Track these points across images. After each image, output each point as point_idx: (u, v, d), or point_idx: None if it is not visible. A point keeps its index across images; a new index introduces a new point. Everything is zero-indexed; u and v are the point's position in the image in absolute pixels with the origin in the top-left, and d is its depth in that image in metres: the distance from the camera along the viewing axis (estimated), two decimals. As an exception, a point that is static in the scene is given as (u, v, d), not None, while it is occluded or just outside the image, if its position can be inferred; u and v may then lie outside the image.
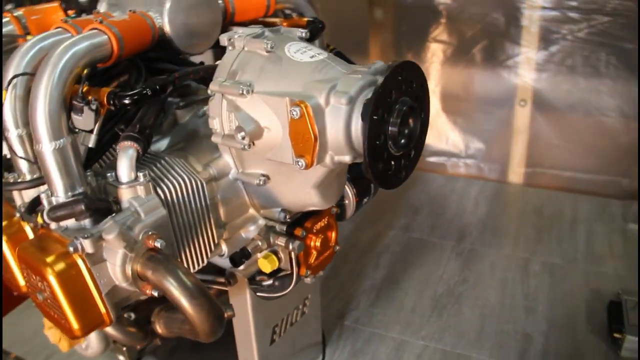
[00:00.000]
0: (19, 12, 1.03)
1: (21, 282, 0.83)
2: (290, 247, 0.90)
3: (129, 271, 0.68)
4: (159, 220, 0.72)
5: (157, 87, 0.73)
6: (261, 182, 0.83)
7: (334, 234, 0.99)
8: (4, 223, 0.83)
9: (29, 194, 0.76)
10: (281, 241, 0.91)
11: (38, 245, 0.69)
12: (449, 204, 2.23)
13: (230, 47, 0.81)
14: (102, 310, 0.69)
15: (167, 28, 0.85)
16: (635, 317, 1.36)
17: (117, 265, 0.68)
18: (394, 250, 1.93)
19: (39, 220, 0.68)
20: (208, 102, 0.80)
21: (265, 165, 0.83)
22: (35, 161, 0.71)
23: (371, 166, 0.70)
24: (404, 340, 1.50)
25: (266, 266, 0.92)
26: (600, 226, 1.98)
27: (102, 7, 0.97)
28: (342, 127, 0.71)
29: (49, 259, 0.65)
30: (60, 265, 0.65)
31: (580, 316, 1.51)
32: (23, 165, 0.75)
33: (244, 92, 0.74)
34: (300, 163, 0.73)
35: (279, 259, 0.94)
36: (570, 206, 2.12)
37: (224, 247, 0.89)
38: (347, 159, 0.75)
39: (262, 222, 0.94)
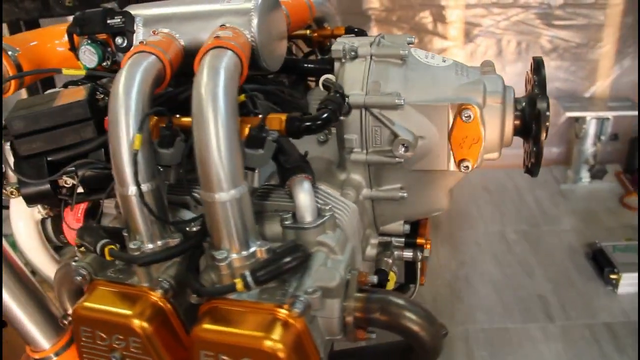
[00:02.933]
0: (9, 45, 0.82)
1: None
2: (420, 256, 0.87)
3: (349, 320, 0.59)
4: (352, 255, 0.64)
5: (336, 110, 0.64)
6: (403, 195, 0.78)
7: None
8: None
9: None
10: (408, 253, 0.87)
11: (235, 322, 0.55)
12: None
13: (344, 59, 0.75)
14: (322, 374, 0.59)
15: (257, 43, 0.75)
16: (622, 257, 1.60)
17: (334, 318, 0.58)
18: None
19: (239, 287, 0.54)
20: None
21: (403, 178, 0.78)
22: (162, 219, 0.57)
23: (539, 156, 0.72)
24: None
25: (390, 284, 0.87)
26: (541, 192, 2.26)
27: (144, 28, 0.81)
28: (497, 125, 0.72)
29: (275, 336, 0.53)
30: (287, 337, 0.53)
31: (571, 270, 1.72)
32: (144, 228, 0.60)
33: (402, 103, 0.70)
34: (465, 166, 0.72)
35: (395, 273, 0.90)
36: (509, 180, 2.39)
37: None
38: (495, 155, 0.75)
39: (374, 240, 0.89)
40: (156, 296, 0.60)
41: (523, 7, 2.14)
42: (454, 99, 0.70)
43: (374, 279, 0.61)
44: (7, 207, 0.87)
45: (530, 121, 0.72)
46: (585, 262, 1.77)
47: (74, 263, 0.64)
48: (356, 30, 1.07)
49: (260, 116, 0.61)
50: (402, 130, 0.71)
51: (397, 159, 0.72)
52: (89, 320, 0.60)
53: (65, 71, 0.74)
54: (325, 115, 0.61)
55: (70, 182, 0.70)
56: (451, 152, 0.73)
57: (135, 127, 0.56)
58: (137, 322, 0.58)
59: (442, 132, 0.71)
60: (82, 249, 0.66)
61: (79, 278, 0.63)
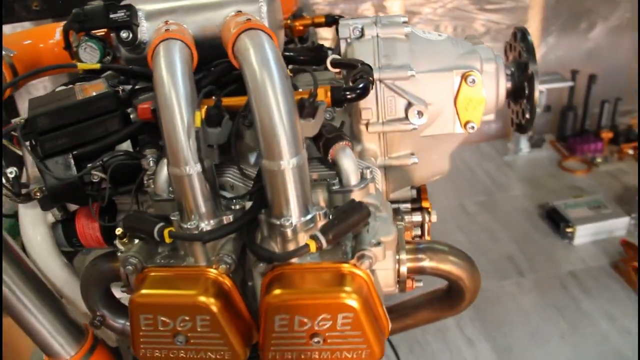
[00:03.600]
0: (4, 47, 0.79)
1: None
2: (428, 220, 0.93)
3: (403, 271, 0.64)
4: (391, 213, 0.68)
5: (370, 80, 0.68)
6: (415, 161, 0.84)
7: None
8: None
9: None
10: (417, 217, 0.93)
11: (306, 283, 0.58)
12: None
13: (350, 38, 0.80)
14: (386, 323, 0.63)
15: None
16: (573, 212, 1.80)
17: (390, 269, 0.63)
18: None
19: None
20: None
21: (412, 144, 0.84)
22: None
23: (533, 112, 0.81)
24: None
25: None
26: (489, 164, 2.45)
27: (147, 22, 0.81)
28: (494, 89, 0.81)
29: (348, 288, 0.56)
30: (359, 289, 0.57)
31: (530, 229, 1.89)
32: (201, 207, 0.61)
33: (414, 74, 0.76)
34: (471, 126, 0.79)
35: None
36: (457, 157, 2.56)
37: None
38: (491, 117, 0.84)
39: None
40: (217, 273, 0.61)
41: (458, -7, 2.32)
42: (458, 67, 0.78)
43: (418, 230, 0.66)
44: (11, 215, 0.82)
45: (521, 83, 0.81)
46: (540, 221, 1.96)
47: (120, 254, 0.63)
48: (336, 17, 1.12)
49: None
50: (414, 99, 0.77)
51: (411, 125, 0.78)
52: (150, 307, 0.60)
53: (80, 66, 0.73)
54: (363, 84, 0.65)
55: (97, 176, 0.69)
56: (456, 116, 0.80)
57: (187, 106, 0.57)
58: (204, 299, 0.59)
59: (449, 97, 0.78)
60: (125, 239, 0.66)
61: (130, 268, 0.62)
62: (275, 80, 0.56)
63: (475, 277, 0.67)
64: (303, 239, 0.60)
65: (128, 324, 0.79)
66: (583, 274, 1.74)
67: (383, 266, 0.63)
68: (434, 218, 0.94)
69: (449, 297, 0.72)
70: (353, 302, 0.56)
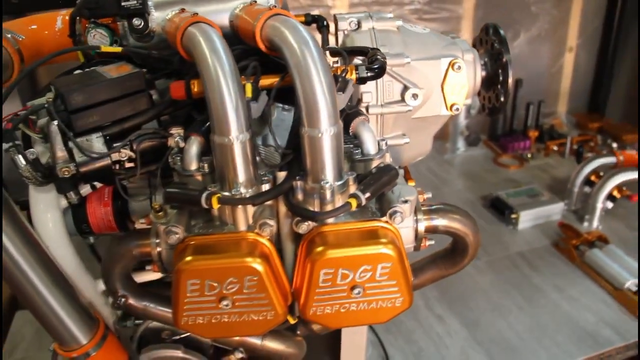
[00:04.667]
0: (12, 31, 0.79)
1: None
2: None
3: (421, 230, 0.72)
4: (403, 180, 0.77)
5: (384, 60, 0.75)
6: (407, 141, 0.94)
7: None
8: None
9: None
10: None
11: (345, 239, 0.64)
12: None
13: (347, 30, 0.89)
14: (411, 277, 0.70)
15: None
16: (515, 200, 2.01)
17: (410, 227, 0.71)
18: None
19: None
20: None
21: (404, 126, 0.94)
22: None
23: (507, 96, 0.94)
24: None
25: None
26: (431, 162, 2.64)
27: (158, 10, 0.84)
28: (472, 76, 0.93)
29: (384, 240, 0.63)
30: (392, 241, 0.65)
31: (477, 218, 2.06)
32: (244, 175, 0.65)
33: (409, 61, 0.85)
34: (455, 108, 0.90)
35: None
36: (404, 156, 2.72)
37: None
38: (469, 101, 0.96)
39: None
40: (259, 237, 0.66)
41: (398, 4, 2.49)
42: (445, 55, 0.88)
43: (430, 194, 0.75)
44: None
45: (495, 71, 0.94)
46: (484, 210, 2.16)
47: (162, 225, 0.66)
48: (316, 16, 1.20)
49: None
50: (410, 83, 0.87)
51: (407, 107, 0.87)
52: (198, 272, 0.62)
53: (104, 48, 0.74)
54: (380, 64, 0.74)
55: (126, 154, 0.71)
56: (443, 99, 0.91)
57: (233, 77, 0.61)
58: (252, 260, 0.63)
59: (437, 82, 0.89)
60: (160, 213, 0.68)
61: (174, 237, 0.65)
62: (315, 56, 0.62)
63: (478, 234, 0.77)
64: (339, 200, 0.66)
65: (150, 304, 0.80)
66: (530, 254, 1.95)
67: (405, 224, 0.71)
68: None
69: (453, 255, 0.81)
70: (391, 251, 0.64)
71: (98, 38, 0.81)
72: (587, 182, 2.12)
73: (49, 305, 0.75)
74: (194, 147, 0.70)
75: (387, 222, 0.66)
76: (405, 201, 0.67)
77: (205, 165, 0.69)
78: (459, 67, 0.87)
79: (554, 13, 2.74)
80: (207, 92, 0.62)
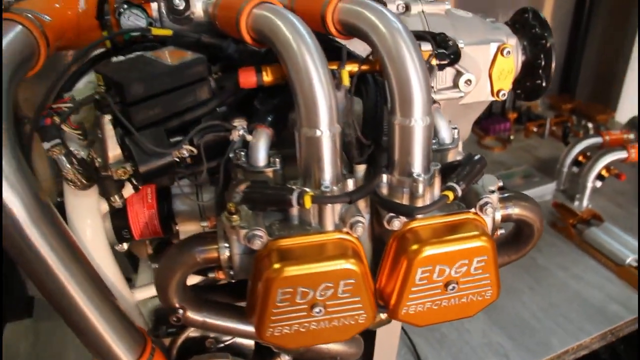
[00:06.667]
0: (35, 12, 0.68)
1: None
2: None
3: (498, 219, 0.70)
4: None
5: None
6: (455, 127, 0.91)
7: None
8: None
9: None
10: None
11: (440, 234, 0.61)
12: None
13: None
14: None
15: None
16: (509, 183, 2.05)
17: (490, 218, 0.68)
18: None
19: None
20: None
21: (451, 112, 0.91)
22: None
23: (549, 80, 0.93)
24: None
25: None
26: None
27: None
28: (515, 61, 0.91)
29: (477, 232, 0.61)
30: (486, 233, 0.62)
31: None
32: (332, 171, 0.60)
33: (463, 46, 0.82)
34: (502, 94, 0.89)
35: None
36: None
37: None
38: (510, 86, 0.95)
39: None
40: (348, 236, 0.61)
41: None
42: (494, 40, 0.86)
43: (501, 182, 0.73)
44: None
45: (535, 56, 0.93)
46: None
47: (242, 230, 0.59)
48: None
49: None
50: (462, 69, 0.84)
51: (460, 93, 0.85)
52: (290, 280, 0.57)
53: (154, 31, 0.66)
54: (455, 50, 0.70)
55: (188, 150, 0.64)
56: (489, 85, 0.89)
57: (323, 63, 0.56)
58: (348, 263, 0.58)
59: (485, 67, 0.87)
60: (236, 215, 0.62)
61: (259, 242, 0.58)
62: (411, 46, 0.58)
63: (543, 220, 0.77)
64: (428, 193, 0.63)
65: (208, 318, 0.73)
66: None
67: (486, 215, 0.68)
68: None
69: (517, 242, 0.80)
70: (487, 244, 0.61)
71: (133, 20, 0.72)
72: (575, 162, 2.20)
73: (101, 326, 0.66)
74: (262, 141, 0.64)
75: (475, 213, 0.64)
76: (493, 191, 0.65)
77: (277, 160, 0.63)
78: (509, 52, 0.86)
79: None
80: (294, 81, 0.56)
